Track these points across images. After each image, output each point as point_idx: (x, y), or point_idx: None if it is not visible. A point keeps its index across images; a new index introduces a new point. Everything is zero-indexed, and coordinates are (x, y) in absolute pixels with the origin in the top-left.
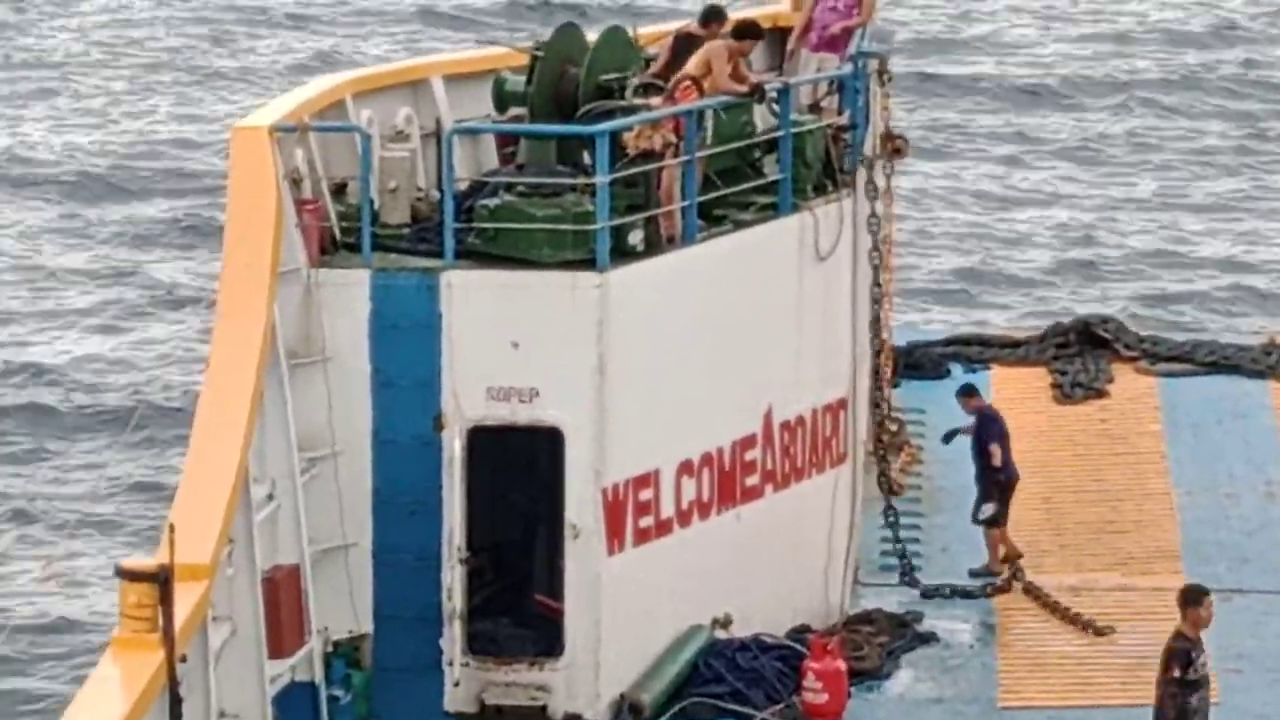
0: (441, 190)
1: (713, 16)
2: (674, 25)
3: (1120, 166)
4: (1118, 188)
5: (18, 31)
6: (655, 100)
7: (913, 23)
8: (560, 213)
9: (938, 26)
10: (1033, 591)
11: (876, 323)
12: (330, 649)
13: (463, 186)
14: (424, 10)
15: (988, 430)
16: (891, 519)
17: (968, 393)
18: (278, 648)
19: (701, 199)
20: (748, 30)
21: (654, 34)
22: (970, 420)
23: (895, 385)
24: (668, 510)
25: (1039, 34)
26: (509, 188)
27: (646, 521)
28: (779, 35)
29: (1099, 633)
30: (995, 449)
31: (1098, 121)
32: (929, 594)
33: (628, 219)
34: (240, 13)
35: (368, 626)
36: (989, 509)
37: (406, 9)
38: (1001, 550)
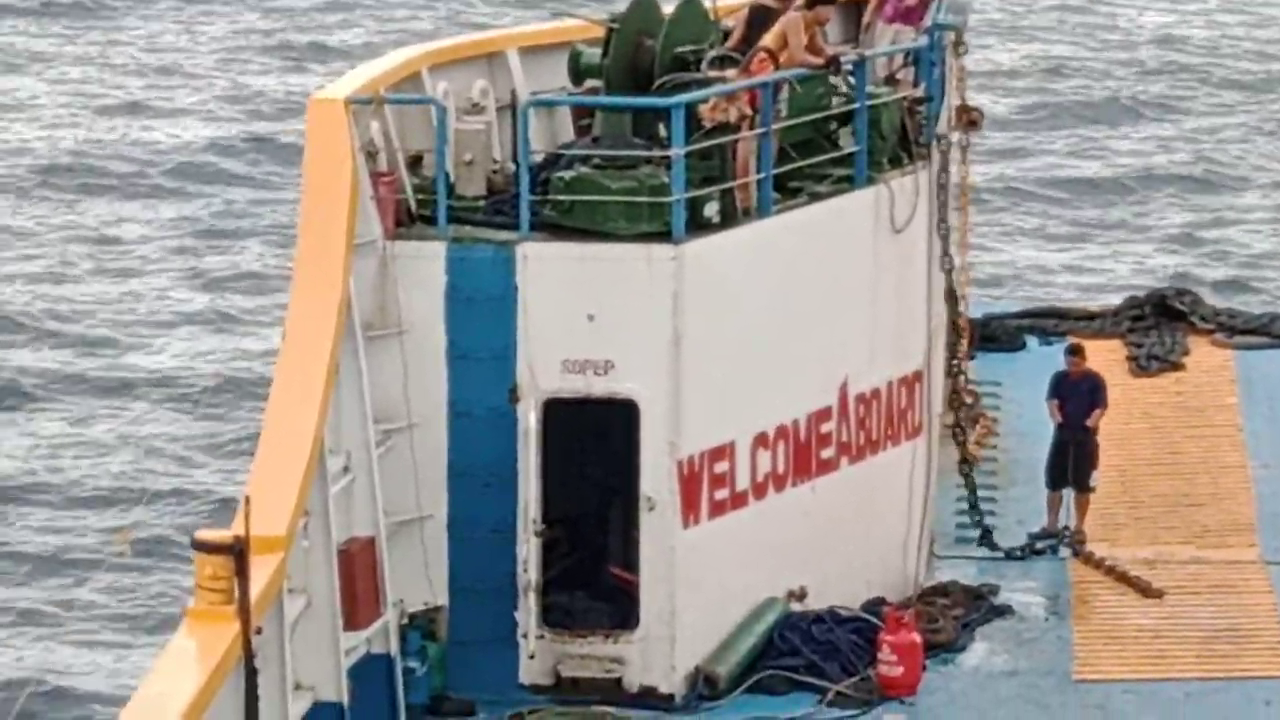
0: (517, 163)
1: None
2: None
3: (1192, 132)
4: (1189, 153)
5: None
6: (731, 72)
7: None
8: (636, 185)
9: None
10: (1091, 561)
11: (952, 294)
12: (406, 621)
13: (538, 159)
14: None
15: (1102, 395)
16: (969, 484)
17: (1079, 352)
18: (353, 620)
19: (777, 171)
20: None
21: (730, 6)
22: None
23: (971, 358)
24: (743, 483)
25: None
26: (584, 160)
27: (722, 494)
28: (855, 7)
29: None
30: (1101, 414)
31: (1172, 98)
32: (1011, 555)
33: (703, 191)
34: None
35: (443, 599)
36: (1097, 476)
37: None
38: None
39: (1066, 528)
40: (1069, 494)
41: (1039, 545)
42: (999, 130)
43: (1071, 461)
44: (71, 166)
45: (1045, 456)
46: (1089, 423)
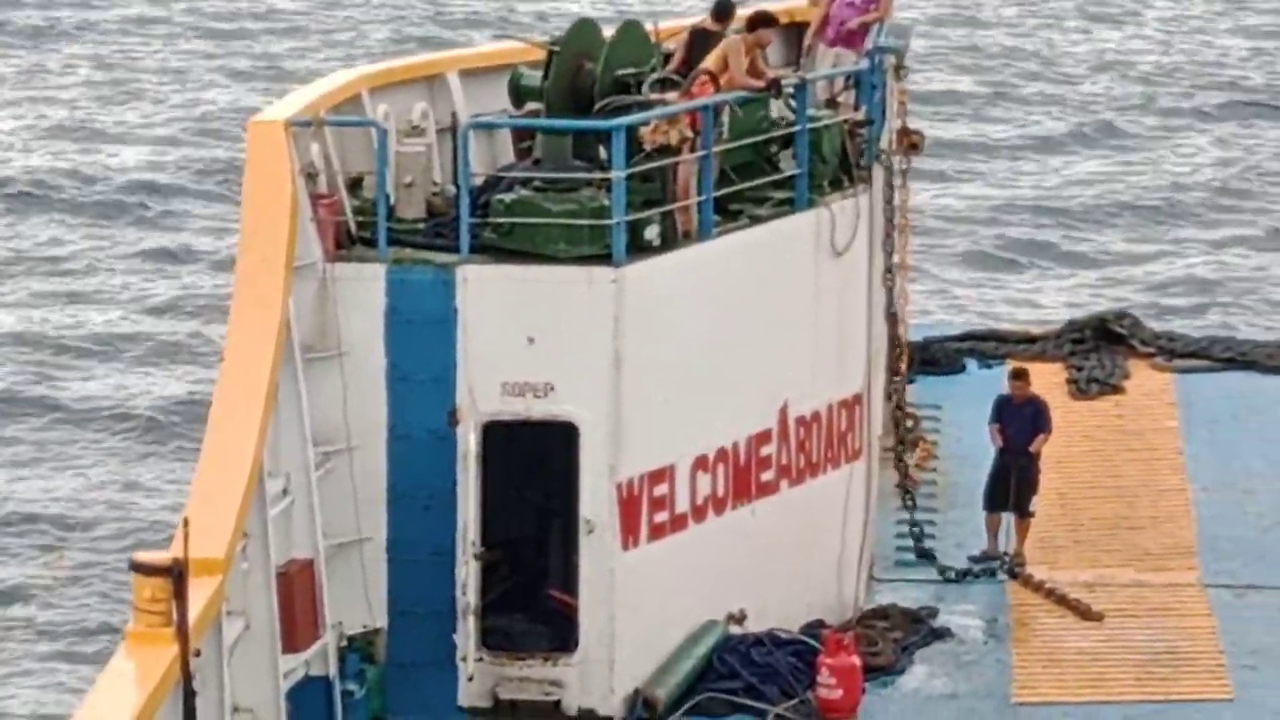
0: (457, 185)
1: (724, 10)
2: (690, 20)
3: (1134, 161)
4: (1130, 182)
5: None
6: (672, 95)
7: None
8: (576, 208)
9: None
10: (1030, 584)
11: (894, 315)
12: (344, 644)
13: (478, 181)
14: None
15: (1045, 420)
16: (909, 504)
17: (1023, 376)
18: (292, 642)
19: (718, 194)
20: (763, 20)
21: (670, 29)
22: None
23: (910, 380)
24: (683, 505)
25: (1044, 29)
26: (525, 183)
27: (661, 517)
28: (796, 30)
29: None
30: (1044, 439)
31: (1108, 115)
32: (950, 577)
33: (644, 214)
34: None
35: (382, 621)
36: (1035, 501)
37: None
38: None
39: (1005, 552)
40: (1008, 517)
41: (978, 569)
42: (941, 154)
43: (1013, 486)
44: (19, 188)
45: (985, 479)
46: (1032, 448)
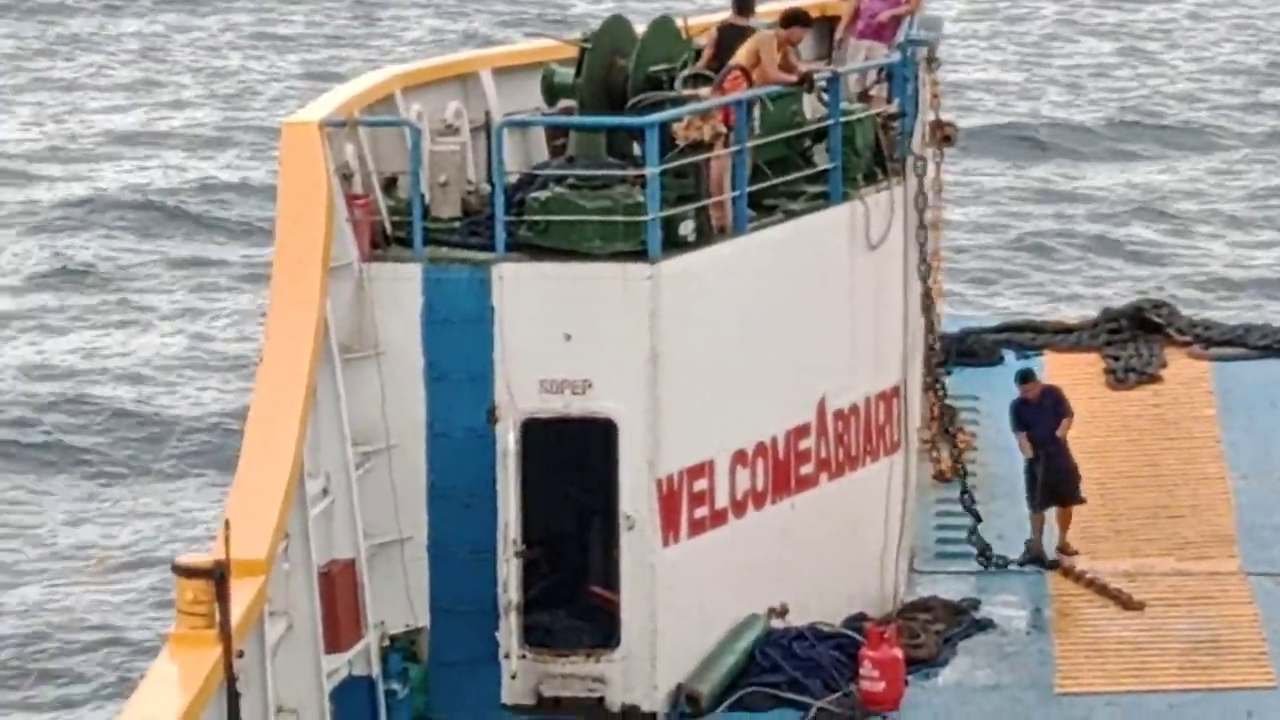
0: (492, 183)
1: (746, 3)
2: (720, 16)
3: (1172, 150)
4: (1169, 173)
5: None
6: (704, 91)
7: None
8: (611, 204)
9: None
10: (1071, 574)
11: (929, 307)
12: (387, 643)
13: (513, 179)
14: None
15: (1064, 405)
16: (966, 499)
17: (1031, 377)
18: (334, 642)
19: (752, 189)
20: (796, 18)
21: (702, 24)
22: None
23: (948, 372)
24: (722, 500)
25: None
26: (559, 180)
27: (701, 512)
28: (828, 24)
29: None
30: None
31: (1146, 104)
32: (997, 564)
33: (678, 210)
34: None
35: (424, 620)
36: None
37: None
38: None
39: (1050, 556)
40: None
41: (1028, 566)
42: (976, 145)
43: (1051, 478)
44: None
45: (1022, 469)
46: (1058, 433)
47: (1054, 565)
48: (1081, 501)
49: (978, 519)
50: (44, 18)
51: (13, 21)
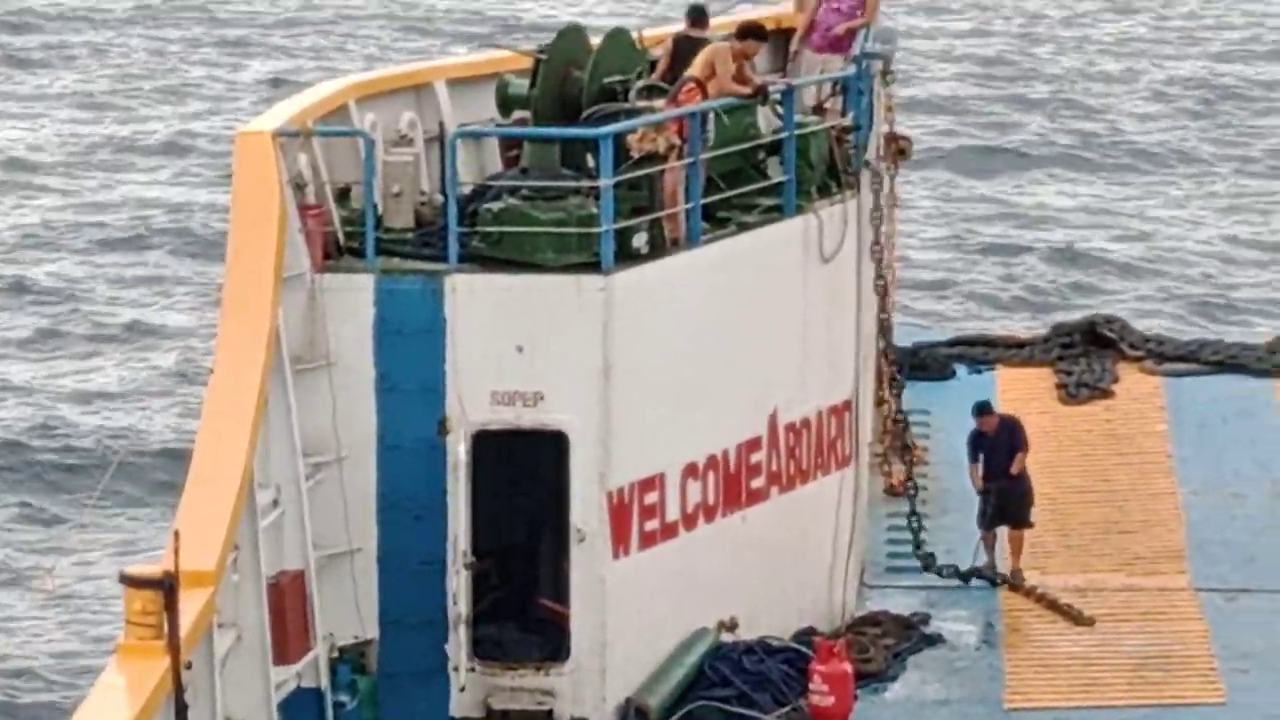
0: (445, 194)
1: (699, 15)
2: (675, 28)
3: (1122, 167)
4: (1119, 187)
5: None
6: (659, 103)
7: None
8: (564, 216)
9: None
10: (1022, 589)
11: (884, 320)
12: (336, 655)
13: (466, 190)
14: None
15: (1020, 437)
16: (910, 512)
17: (988, 409)
18: (283, 654)
19: (705, 201)
20: (752, 31)
21: (657, 36)
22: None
23: (900, 386)
24: (673, 513)
25: (1033, 39)
26: (513, 191)
27: (652, 525)
28: (783, 36)
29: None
30: (1023, 457)
31: (1100, 123)
32: (943, 574)
33: (632, 221)
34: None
35: (373, 632)
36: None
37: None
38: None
39: (1002, 572)
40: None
41: (975, 581)
42: (926, 158)
43: (1001, 503)
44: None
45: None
46: (1013, 470)
47: (1004, 581)
48: (1029, 526)
49: (918, 544)
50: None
51: None
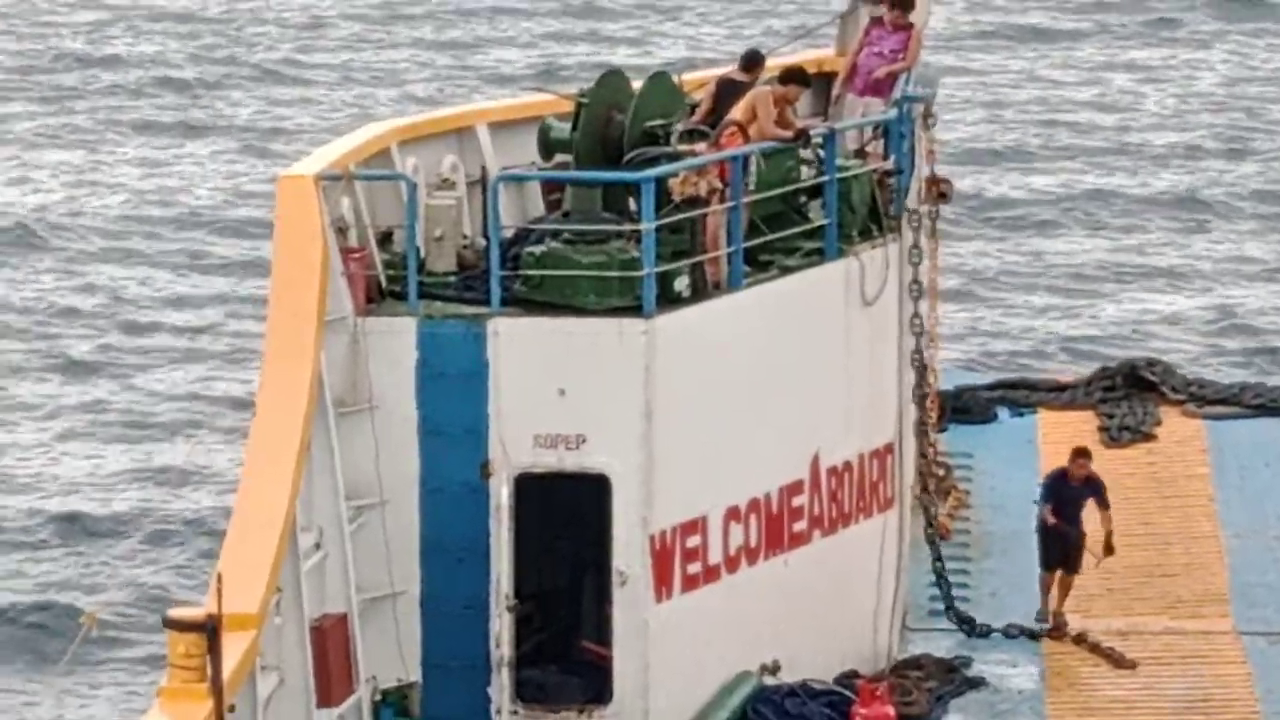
0: (487, 237)
1: (754, 61)
2: (717, 71)
3: (1164, 211)
4: (1162, 232)
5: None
6: (700, 146)
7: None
8: (606, 259)
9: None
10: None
11: (921, 363)
12: (379, 698)
13: (509, 234)
14: None
15: (1104, 498)
16: (937, 562)
17: (1087, 455)
18: (326, 697)
19: (747, 244)
20: (794, 76)
21: (698, 80)
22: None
23: (942, 430)
24: (715, 556)
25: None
26: (555, 235)
27: (694, 568)
28: (824, 80)
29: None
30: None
31: (1145, 169)
32: (982, 634)
33: (673, 265)
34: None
35: (416, 675)
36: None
37: None
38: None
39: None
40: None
41: (1039, 630)
42: (970, 202)
43: (1066, 549)
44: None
45: (1016, 526)
46: (1103, 527)
47: (1051, 630)
48: (1074, 573)
49: (950, 601)
50: None
51: None
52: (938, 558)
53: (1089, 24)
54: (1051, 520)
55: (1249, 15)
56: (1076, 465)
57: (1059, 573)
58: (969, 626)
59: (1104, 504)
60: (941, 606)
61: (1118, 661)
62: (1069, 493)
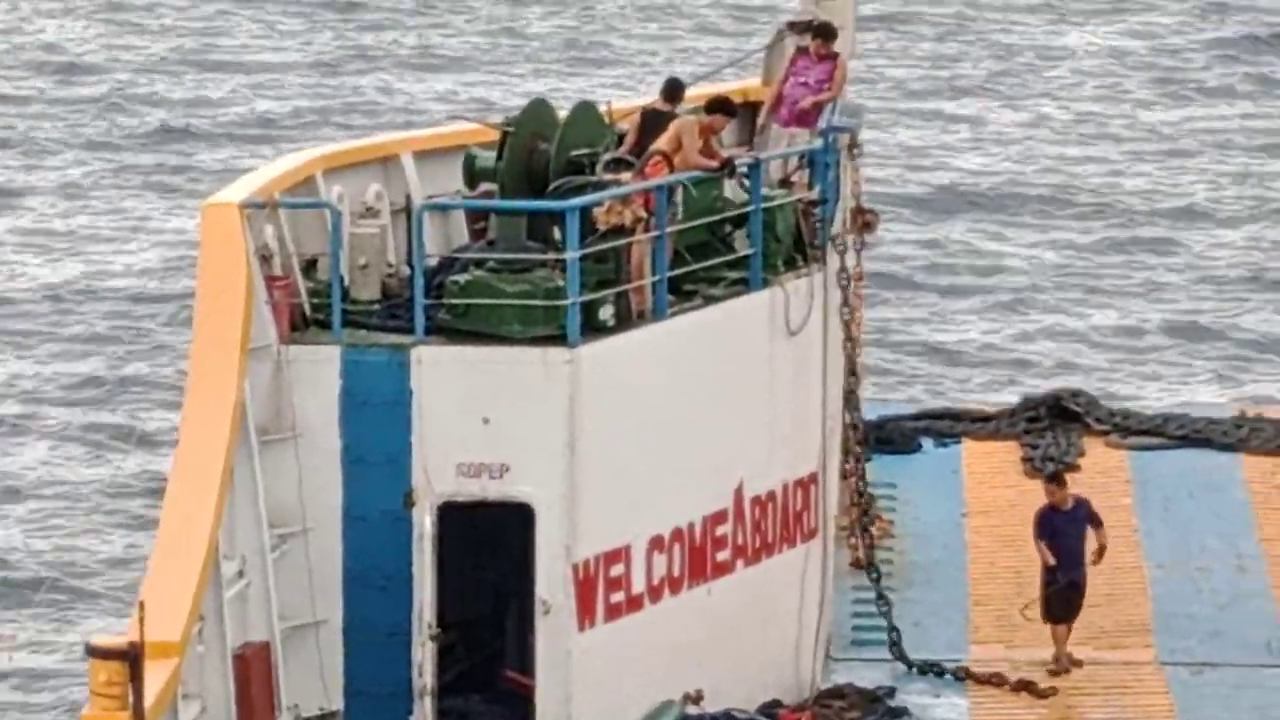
0: (412, 266)
1: (675, 90)
2: (643, 101)
3: (1087, 239)
4: (1084, 261)
5: None
6: (625, 175)
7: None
8: (530, 288)
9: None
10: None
11: (851, 389)
12: None
13: (433, 262)
14: None
15: (1097, 517)
16: (877, 592)
17: (1063, 482)
18: None
19: (672, 274)
20: (720, 106)
21: (624, 109)
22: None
23: (866, 459)
24: (639, 586)
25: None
26: (479, 263)
27: (617, 597)
28: (749, 110)
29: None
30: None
31: (1063, 193)
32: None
33: (598, 294)
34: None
35: (338, 703)
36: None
37: None
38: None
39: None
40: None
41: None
42: (893, 230)
43: (1073, 598)
44: None
45: (940, 556)
46: (1092, 560)
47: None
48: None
49: (894, 637)
50: None
51: None
52: (880, 594)
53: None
54: (1050, 559)
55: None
56: (1053, 493)
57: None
58: (935, 669)
59: (1096, 522)
60: (865, 638)
61: (1040, 693)
62: (1063, 521)
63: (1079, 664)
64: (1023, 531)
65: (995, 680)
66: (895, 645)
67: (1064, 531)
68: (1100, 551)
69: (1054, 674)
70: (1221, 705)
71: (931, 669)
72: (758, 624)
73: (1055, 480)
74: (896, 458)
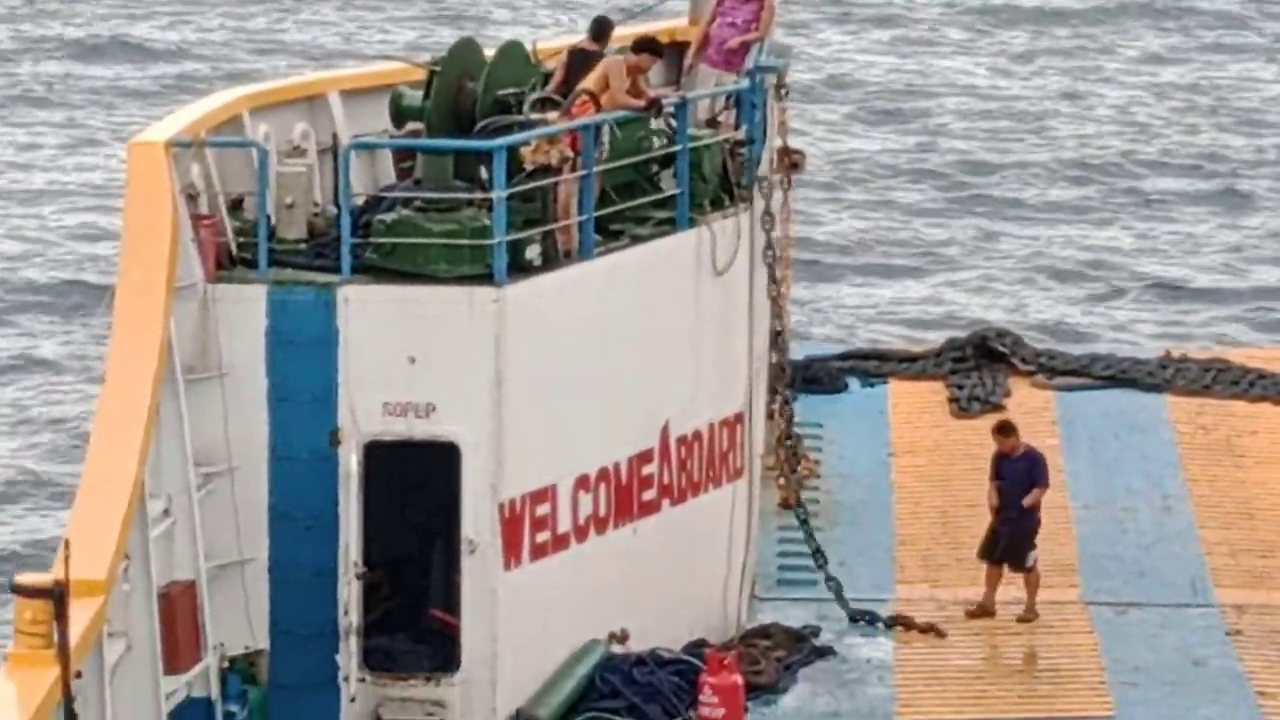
0: (338, 205)
1: (602, 29)
2: (570, 40)
3: (1011, 178)
4: (1010, 199)
5: None
6: (552, 115)
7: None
8: (457, 228)
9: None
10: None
11: (779, 330)
12: (226, 665)
13: (360, 202)
14: None
15: (1041, 472)
16: (804, 525)
17: (1009, 431)
18: (174, 663)
19: (598, 214)
20: (646, 46)
21: (551, 49)
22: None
23: (793, 399)
24: (564, 525)
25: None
26: (406, 203)
27: (543, 536)
28: (677, 50)
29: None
30: (1040, 493)
31: (990, 130)
32: (855, 618)
33: (525, 234)
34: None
35: (264, 642)
36: (1035, 555)
37: None
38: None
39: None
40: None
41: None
42: (821, 171)
43: (1005, 539)
44: None
45: (866, 496)
46: (1025, 502)
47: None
48: (1027, 569)
49: (827, 573)
50: None
51: None
52: (817, 549)
53: None
54: (995, 500)
55: None
56: (1001, 441)
57: (1017, 571)
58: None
59: (1039, 480)
60: (791, 578)
61: (925, 631)
62: (1009, 468)
63: (992, 614)
64: (948, 471)
65: (934, 630)
66: (839, 596)
67: (1007, 477)
68: (1031, 499)
69: (972, 615)
70: (1146, 645)
71: (869, 618)
72: (683, 564)
73: (1000, 430)
74: (823, 397)
